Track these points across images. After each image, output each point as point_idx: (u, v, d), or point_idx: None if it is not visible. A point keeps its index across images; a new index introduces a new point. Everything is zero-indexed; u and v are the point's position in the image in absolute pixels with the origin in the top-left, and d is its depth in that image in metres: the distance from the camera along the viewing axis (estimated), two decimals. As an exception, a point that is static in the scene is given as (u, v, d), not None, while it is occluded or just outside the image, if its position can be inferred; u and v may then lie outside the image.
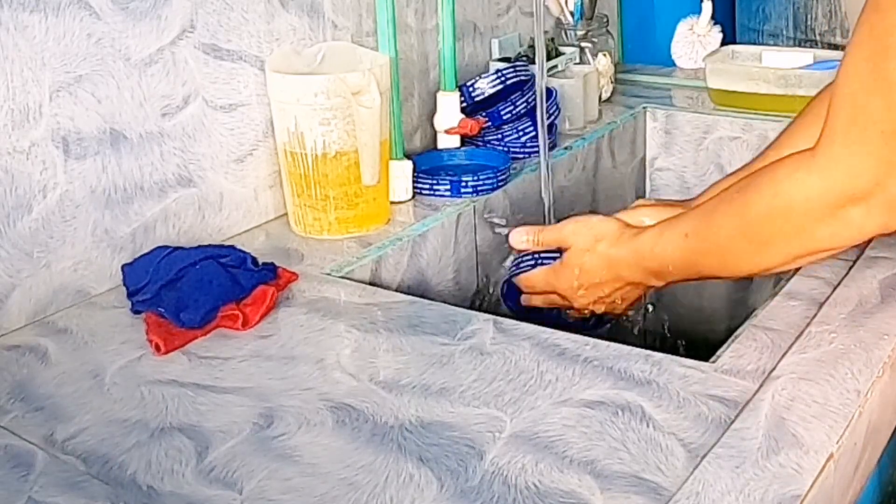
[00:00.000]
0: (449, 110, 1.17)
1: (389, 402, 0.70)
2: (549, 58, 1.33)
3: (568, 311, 0.98)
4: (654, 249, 0.86)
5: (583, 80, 1.35)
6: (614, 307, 0.95)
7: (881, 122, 0.70)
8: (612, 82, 1.49)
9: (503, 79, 1.25)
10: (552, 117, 1.26)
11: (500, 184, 1.13)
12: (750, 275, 0.85)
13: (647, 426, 0.65)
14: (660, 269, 0.87)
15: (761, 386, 0.69)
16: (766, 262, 0.79)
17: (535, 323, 0.80)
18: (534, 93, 1.23)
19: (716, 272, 0.84)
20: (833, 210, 0.72)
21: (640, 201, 1.01)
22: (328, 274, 0.93)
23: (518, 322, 0.80)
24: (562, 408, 0.68)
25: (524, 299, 1.00)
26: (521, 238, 0.97)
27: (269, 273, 0.88)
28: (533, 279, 0.97)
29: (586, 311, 0.96)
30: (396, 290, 0.96)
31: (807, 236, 0.75)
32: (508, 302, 1.01)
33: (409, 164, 1.10)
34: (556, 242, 0.95)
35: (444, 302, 0.93)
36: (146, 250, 0.90)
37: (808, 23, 1.60)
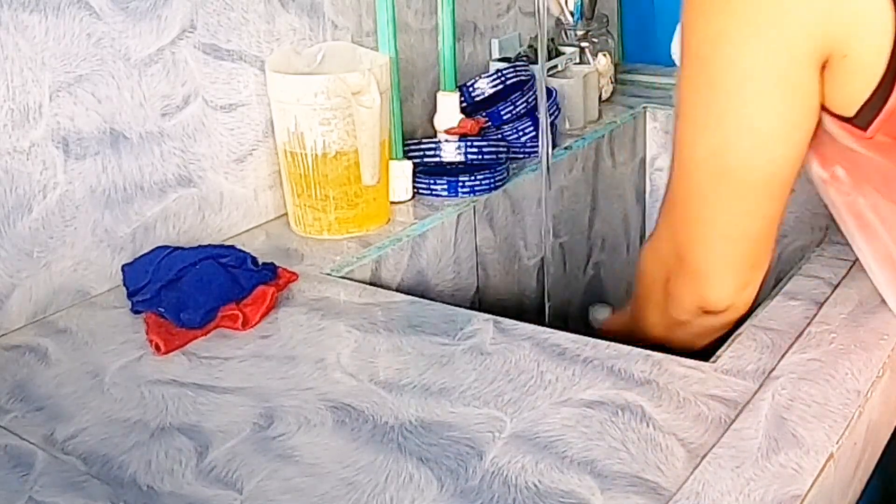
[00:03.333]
0: (449, 110, 1.17)
1: (389, 402, 0.70)
2: (549, 58, 1.34)
3: None
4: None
5: (583, 80, 1.35)
6: None
7: (674, 191, 0.75)
8: (612, 82, 1.49)
9: (503, 79, 1.25)
10: (552, 117, 1.26)
11: (497, 184, 1.13)
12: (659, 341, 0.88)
13: (647, 426, 0.65)
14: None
15: (761, 386, 0.69)
16: (652, 328, 0.84)
17: None
18: (534, 93, 1.24)
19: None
20: (663, 282, 0.78)
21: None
22: (328, 274, 0.93)
23: (518, 322, 0.81)
24: (562, 408, 0.68)
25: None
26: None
27: (269, 273, 0.88)
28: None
29: None
30: (396, 290, 0.96)
31: (660, 309, 0.80)
32: None
33: (409, 164, 1.10)
34: None
35: (444, 302, 0.93)
36: (146, 250, 0.91)
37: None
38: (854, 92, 0.66)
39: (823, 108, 0.69)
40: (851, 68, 0.66)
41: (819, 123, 0.70)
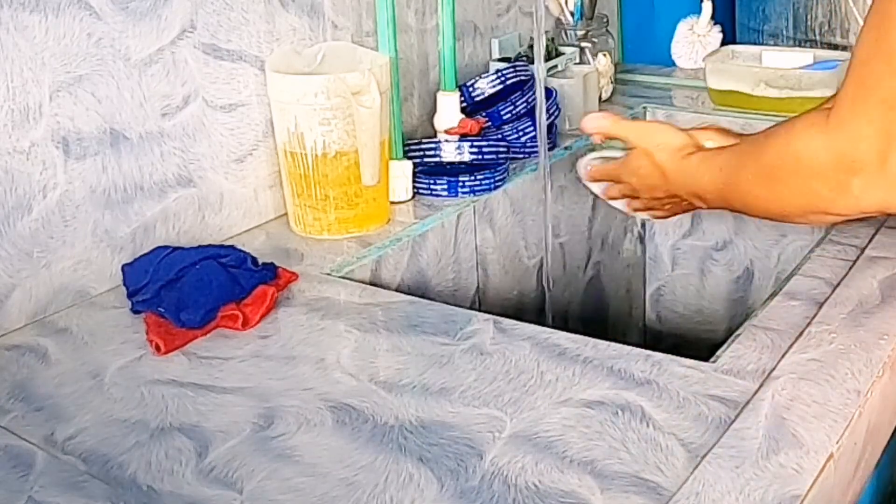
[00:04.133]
0: (449, 110, 1.17)
1: (389, 402, 0.70)
2: (549, 58, 1.34)
3: (639, 207, 1.02)
4: (695, 175, 0.89)
5: (583, 80, 1.35)
6: (667, 212, 0.99)
7: (882, 90, 0.70)
8: (612, 82, 1.49)
9: (503, 79, 1.25)
10: (552, 117, 1.26)
11: (497, 184, 1.13)
12: (772, 219, 0.87)
13: (647, 426, 0.65)
14: (699, 193, 0.89)
15: (761, 386, 0.69)
16: (778, 209, 0.80)
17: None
18: (534, 93, 1.23)
19: (742, 209, 0.86)
20: (836, 175, 0.72)
21: (709, 126, 1.01)
22: (328, 274, 0.93)
23: (518, 322, 0.80)
24: (562, 408, 0.68)
25: (604, 191, 1.04)
26: (594, 125, 1.00)
27: (269, 273, 0.88)
28: (605, 171, 1.01)
29: (649, 210, 1.00)
30: (396, 290, 0.96)
31: (812, 194, 0.75)
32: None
33: (409, 164, 1.10)
34: (624, 139, 0.98)
35: (444, 302, 0.93)
36: (146, 250, 0.91)
37: (808, 23, 1.60)
38: None
39: None
40: None
41: None
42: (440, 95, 1.17)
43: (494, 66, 1.33)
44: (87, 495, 0.61)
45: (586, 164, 1.05)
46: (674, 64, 1.63)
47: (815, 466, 0.60)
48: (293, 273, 0.90)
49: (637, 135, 0.96)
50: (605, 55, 1.45)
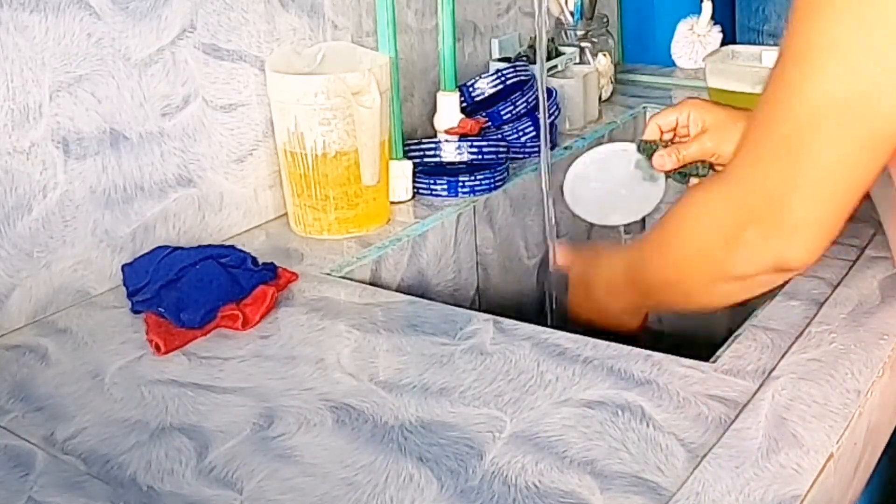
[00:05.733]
0: (449, 110, 1.17)
1: (389, 402, 0.70)
2: (549, 58, 1.33)
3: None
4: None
5: (583, 80, 1.35)
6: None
7: (775, 137, 0.67)
8: (612, 82, 1.49)
9: (503, 79, 1.25)
10: (552, 117, 1.26)
11: (497, 184, 1.13)
12: (677, 303, 0.83)
13: (647, 426, 0.65)
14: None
15: (761, 386, 0.69)
16: (688, 292, 0.77)
17: None
18: (534, 93, 1.23)
19: (647, 291, 0.84)
20: (731, 226, 0.69)
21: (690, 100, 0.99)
22: (328, 274, 0.93)
23: (518, 322, 0.80)
24: (562, 408, 0.68)
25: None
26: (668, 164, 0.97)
27: (269, 273, 0.88)
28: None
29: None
30: (396, 290, 0.96)
31: (708, 252, 0.72)
32: None
33: (409, 164, 1.10)
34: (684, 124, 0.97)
35: (444, 302, 0.93)
36: (146, 250, 0.91)
37: (808, 23, 1.60)
38: None
39: None
40: None
41: None
42: (440, 95, 1.17)
43: (494, 66, 1.33)
44: (87, 495, 0.61)
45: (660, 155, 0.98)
46: (674, 64, 1.63)
47: (815, 466, 0.60)
48: (293, 273, 0.90)
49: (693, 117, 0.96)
50: (605, 55, 1.45)
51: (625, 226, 1.05)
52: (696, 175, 0.96)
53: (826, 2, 0.64)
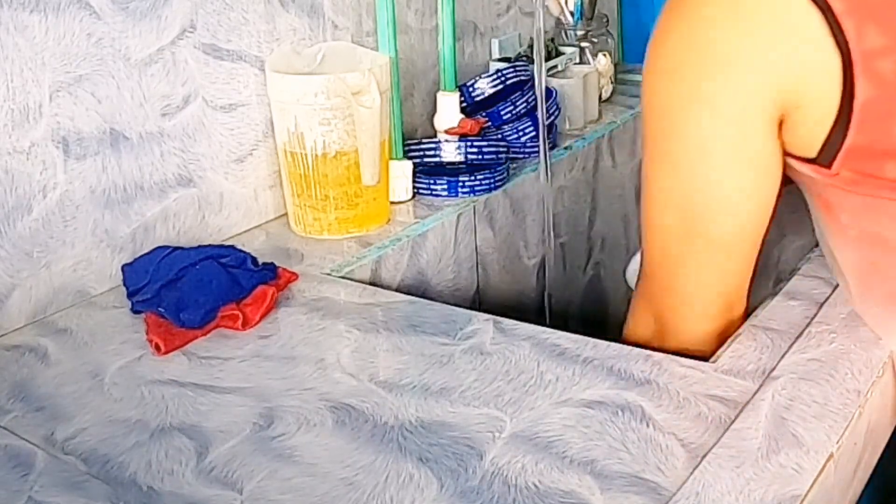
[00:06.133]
0: (449, 110, 1.17)
1: (389, 402, 0.70)
2: (549, 58, 1.34)
3: None
4: None
5: (583, 80, 1.35)
6: None
7: (646, 266, 0.78)
8: (612, 82, 1.49)
9: (503, 79, 1.25)
10: (552, 117, 1.26)
11: (497, 184, 1.13)
12: None
13: (647, 426, 0.65)
14: None
15: (761, 386, 0.69)
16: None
17: None
18: (534, 93, 1.23)
19: None
20: (656, 339, 0.79)
21: None
22: (328, 274, 0.93)
23: (518, 322, 0.80)
24: (562, 408, 0.68)
25: None
26: None
27: (269, 273, 0.88)
28: None
29: None
30: (396, 290, 0.96)
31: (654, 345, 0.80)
32: None
33: (409, 164, 1.10)
34: None
35: (444, 302, 0.93)
36: (146, 250, 0.91)
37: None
38: (812, 135, 0.67)
39: (787, 153, 0.70)
40: (806, 115, 0.67)
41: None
42: (440, 95, 1.17)
43: (494, 66, 1.33)
44: (87, 495, 0.61)
45: None
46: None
47: (815, 466, 0.60)
48: (293, 273, 0.90)
49: None
50: (605, 55, 1.45)
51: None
52: None
53: (644, 136, 0.75)
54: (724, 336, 0.76)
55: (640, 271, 0.80)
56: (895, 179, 0.65)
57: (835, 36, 0.63)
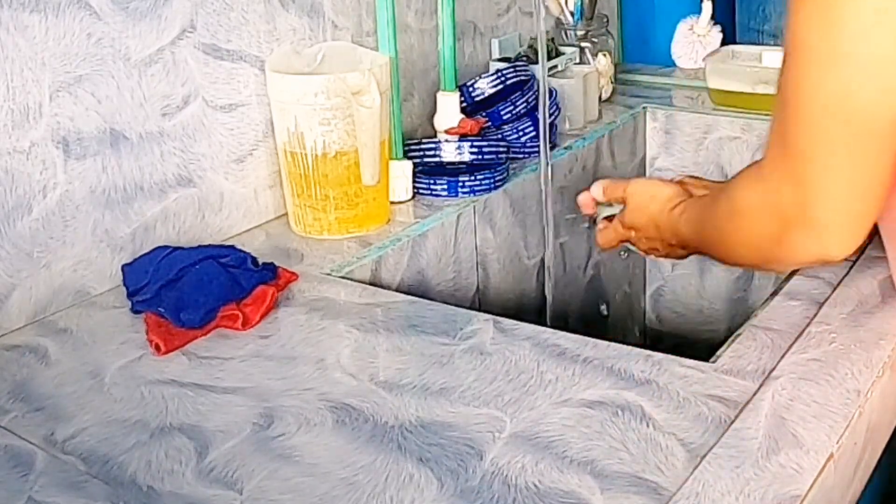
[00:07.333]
0: (449, 110, 1.17)
1: (389, 402, 0.70)
2: (549, 58, 1.33)
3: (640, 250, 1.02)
4: (676, 226, 0.88)
5: (583, 80, 1.35)
6: (668, 254, 0.97)
7: (790, 140, 0.69)
8: (612, 82, 1.49)
9: (503, 79, 1.25)
10: (552, 117, 1.26)
11: (497, 184, 1.13)
12: (743, 267, 0.88)
13: (647, 426, 0.65)
14: (683, 243, 0.89)
15: (761, 386, 0.69)
16: (739, 258, 0.79)
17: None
18: (534, 93, 1.23)
19: (718, 259, 0.85)
20: (770, 225, 0.71)
21: (684, 177, 1.01)
22: (328, 274, 0.93)
23: (518, 322, 0.80)
24: (562, 408, 0.68)
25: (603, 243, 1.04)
26: (588, 200, 1.01)
27: (269, 273, 0.88)
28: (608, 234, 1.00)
29: (651, 253, 0.99)
30: (396, 290, 0.96)
31: (755, 245, 0.74)
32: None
33: (409, 164, 1.10)
34: (619, 199, 0.97)
35: (444, 302, 0.93)
36: (146, 250, 0.91)
37: (809, 22, 1.60)
38: None
39: None
40: None
41: None
42: (440, 95, 1.17)
43: (494, 66, 1.33)
44: (87, 495, 0.61)
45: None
46: (674, 64, 1.63)
47: (815, 466, 0.60)
48: (293, 273, 0.90)
49: (629, 194, 0.96)
50: (605, 55, 1.45)
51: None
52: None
53: (798, 5, 0.67)
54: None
55: (775, 141, 0.71)
56: None
57: None
